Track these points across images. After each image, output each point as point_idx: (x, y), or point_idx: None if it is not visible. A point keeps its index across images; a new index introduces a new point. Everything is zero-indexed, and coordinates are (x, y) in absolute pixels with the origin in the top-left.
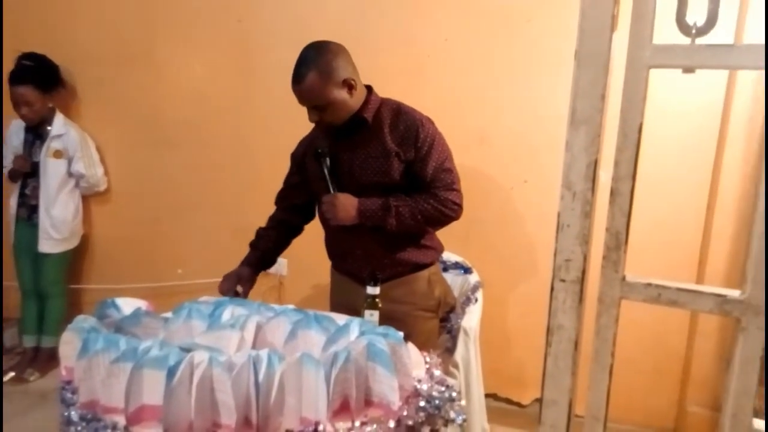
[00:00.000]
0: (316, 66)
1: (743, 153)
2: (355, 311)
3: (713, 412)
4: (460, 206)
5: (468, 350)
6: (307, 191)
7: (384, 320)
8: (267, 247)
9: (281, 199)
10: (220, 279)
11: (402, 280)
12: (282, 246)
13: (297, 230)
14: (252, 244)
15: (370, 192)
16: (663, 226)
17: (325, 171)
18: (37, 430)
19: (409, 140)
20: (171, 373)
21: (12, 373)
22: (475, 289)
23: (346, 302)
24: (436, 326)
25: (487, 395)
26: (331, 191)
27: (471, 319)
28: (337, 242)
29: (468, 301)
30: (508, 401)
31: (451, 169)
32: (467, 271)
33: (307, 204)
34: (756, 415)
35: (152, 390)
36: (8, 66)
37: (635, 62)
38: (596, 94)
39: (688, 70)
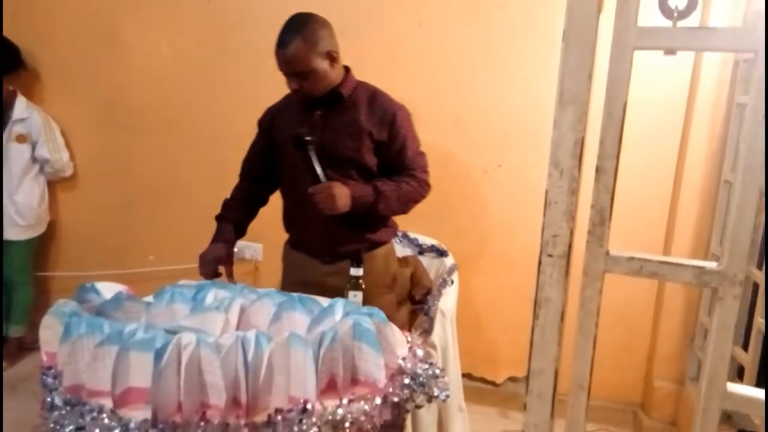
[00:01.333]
0: (301, 33)
1: (708, 133)
2: (312, 287)
3: (678, 386)
4: (430, 186)
5: (445, 331)
6: (271, 161)
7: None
8: (237, 218)
9: (247, 168)
10: (192, 264)
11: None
12: (251, 216)
13: (263, 201)
14: (221, 216)
15: (343, 168)
16: (631, 204)
17: (313, 160)
18: (9, 422)
19: (385, 123)
20: (159, 355)
21: None
22: (451, 271)
23: (302, 278)
24: (393, 300)
25: (462, 375)
26: (322, 179)
27: (447, 301)
28: (299, 215)
29: (444, 283)
30: (483, 380)
31: (423, 153)
32: (443, 254)
33: (271, 175)
34: (730, 380)
35: (139, 372)
36: None
37: (621, 44)
38: (583, 74)
39: (670, 52)
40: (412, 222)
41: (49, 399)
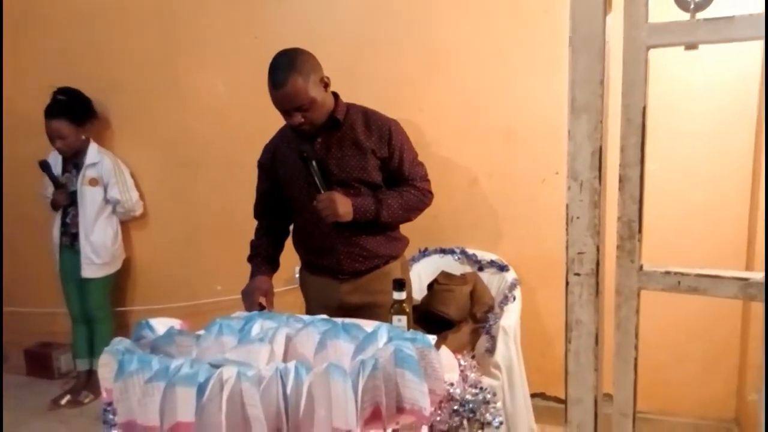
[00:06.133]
0: (295, 68)
1: None
2: (334, 309)
3: None
4: (432, 194)
5: (509, 349)
6: (281, 195)
7: (368, 309)
8: (268, 253)
9: (260, 210)
10: None
11: (379, 272)
12: (279, 249)
13: (285, 233)
14: (252, 256)
15: (352, 188)
16: (704, 212)
17: (314, 173)
18: None
19: (383, 139)
20: (201, 389)
21: (68, 396)
22: (512, 287)
23: (323, 301)
24: (411, 309)
25: (534, 395)
26: (322, 191)
27: (510, 318)
28: (314, 239)
29: (506, 299)
30: (557, 399)
31: (422, 163)
32: (503, 268)
33: (284, 209)
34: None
35: (186, 407)
36: (45, 101)
37: (632, 43)
38: (594, 80)
39: (691, 46)
40: (470, 237)
41: None
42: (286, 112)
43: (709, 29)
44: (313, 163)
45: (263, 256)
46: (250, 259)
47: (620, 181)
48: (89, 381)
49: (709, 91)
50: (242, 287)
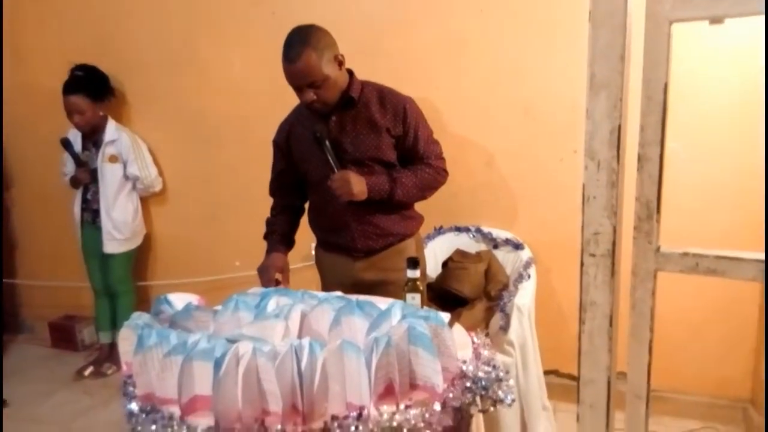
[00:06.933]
0: (309, 43)
1: None
2: (349, 286)
3: None
4: (447, 172)
5: (523, 327)
6: (296, 174)
7: (382, 287)
8: (284, 230)
9: (276, 188)
10: None
11: (393, 249)
12: (294, 227)
13: (301, 211)
14: (268, 233)
15: (366, 167)
16: (724, 192)
17: (327, 152)
18: (117, 421)
19: (398, 118)
20: (218, 364)
21: (91, 368)
22: (527, 265)
23: (338, 278)
24: (425, 287)
25: (548, 372)
26: (336, 170)
27: (524, 296)
28: (329, 218)
29: (520, 278)
30: (571, 377)
31: (437, 141)
32: (518, 247)
33: (300, 187)
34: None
35: (203, 381)
36: (63, 78)
37: (655, 17)
38: (615, 56)
39: (716, 20)
40: (486, 216)
41: (128, 406)
42: (298, 89)
43: (735, 2)
44: (327, 142)
45: (279, 234)
46: (266, 237)
47: (639, 160)
48: (111, 353)
49: (733, 68)
50: (259, 262)
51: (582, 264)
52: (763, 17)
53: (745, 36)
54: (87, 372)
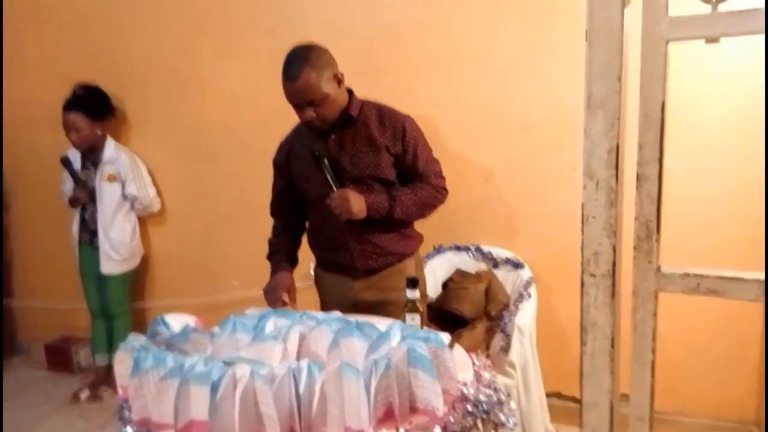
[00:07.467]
0: (308, 62)
1: None
2: (349, 306)
3: None
4: (447, 190)
5: (524, 348)
6: (296, 193)
7: (382, 307)
8: (287, 249)
9: (277, 208)
10: None
11: (393, 269)
12: (297, 246)
13: (302, 229)
14: (271, 253)
15: (365, 185)
16: (724, 211)
17: (326, 170)
18: None
19: (397, 136)
20: (214, 388)
21: (87, 391)
22: (527, 284)
23: (337, 298)
24: (425, 307)
25: (550, 394)
26: (335, 189)
27: (525, 316)
28: (328, 237)
29: (521, 297)
30: (573, 399)
31: (436, 159)
32: (518, 266)
33: (300, 204)
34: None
35: (199, 405)
36: (62, 97)
37: (651, 37)
38: (612, 75)
39: (712, 40)
40: (485, 234)
41: (124, 431)
42: (298, 107)
43: (731, 22)
44: (325, 161)
45: (282, 253)
46: (269, 257)
47: (638, 179)
48: (108, 376)
49: (729, 86)
50: (258, 282)
51: (582, 284)
52: (758, 36)
53: (740, 54)
54: (83, 395)
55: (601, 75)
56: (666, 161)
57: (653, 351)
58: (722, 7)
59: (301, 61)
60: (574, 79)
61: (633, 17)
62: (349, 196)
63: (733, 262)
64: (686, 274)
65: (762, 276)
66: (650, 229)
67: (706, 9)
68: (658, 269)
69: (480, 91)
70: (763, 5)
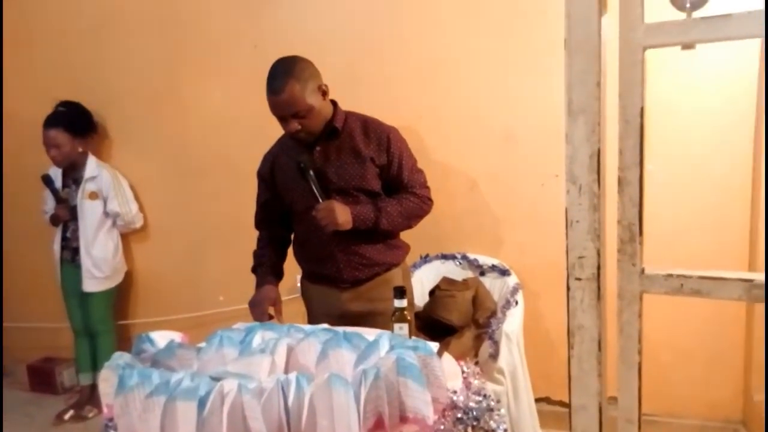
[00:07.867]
0: (293, 74)
1: None
2: (336, 317)
3: None
4: (432, 201)
5: (512, 354)
6: (281, 205)
7: (370, 317)
8: (272, 262)
9: (261, 220)
10: None
11: (380, 279)
12: (282, 258)
13: (287, 242)
14: (256, 266)
15: (351, 196)
16: (705, 213)
17: (311, 182)
18: None
19: (382, 147)
20: (202, 403)
21: (72, 411)
22: (514, 291)
23: (325, 310)
24: (413, 317)
25: (538, 399)
26: (320, 200)
27: (512, 323)
28: (314, 249)
29: (508, 304)
30: (562, 404)
31: (421, 170)
32: (505, 273)
33: (285, 216)
34: None
35: (186, 421)
36: (44, 116)
37: (628, 44)
38: (591, 82)
39: (688, 46)
40: (471, 242)
41: None
42: (282, 119)
43: (705, 28)
44: (311, 173)
45: (268, 266)
46: (254, 270)
47: (619, 183)
48: (92, 395)
49: (706, 91)
50: (244, 297)
51: (568, 288)
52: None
53: (717, 59)
54: (67, 416)
55: (581, 82)
56: (647, 166)
57: (640, 353)
58: (696, 14)
59: (285, 74)
60: (555, 89)
61: (611, 25)
62: (335, 207)
63: (713, 262)
64: (670, 275)
65: (744, 275)
66: (633, 232)
67: (681, 16)
68: (642, 271)
69: (463, 102)
70: (736, 12)
